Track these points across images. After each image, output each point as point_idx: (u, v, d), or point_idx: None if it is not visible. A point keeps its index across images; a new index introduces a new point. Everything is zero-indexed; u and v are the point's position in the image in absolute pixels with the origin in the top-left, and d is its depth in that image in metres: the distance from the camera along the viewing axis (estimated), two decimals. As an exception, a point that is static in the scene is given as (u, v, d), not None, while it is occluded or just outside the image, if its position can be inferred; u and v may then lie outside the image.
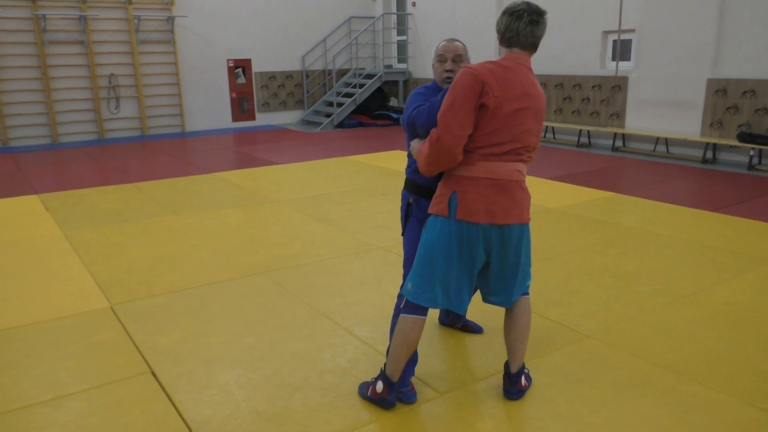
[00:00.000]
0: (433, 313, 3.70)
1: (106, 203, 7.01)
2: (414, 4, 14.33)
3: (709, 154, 8.92)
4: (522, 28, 2.60)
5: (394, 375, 2.80)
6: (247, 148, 11.24)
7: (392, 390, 2.82)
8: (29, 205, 6.99)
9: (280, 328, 3.73)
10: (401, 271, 4.36)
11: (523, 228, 2.70)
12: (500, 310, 3.83)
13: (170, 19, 12.90)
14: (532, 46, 2.68)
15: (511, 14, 2.61)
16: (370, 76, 14.54)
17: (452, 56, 2.92)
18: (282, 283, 4.45)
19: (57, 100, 12.14)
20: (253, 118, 14.52)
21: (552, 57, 11.20)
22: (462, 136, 2.52)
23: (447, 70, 2.92)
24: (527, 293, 2.92)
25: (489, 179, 2.57)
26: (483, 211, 2.57)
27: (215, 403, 2.93)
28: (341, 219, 6.09)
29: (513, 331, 2.89)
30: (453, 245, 2.62)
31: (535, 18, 2.60)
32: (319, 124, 13.96)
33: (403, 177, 3.13)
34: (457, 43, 2.95)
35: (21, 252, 5.28)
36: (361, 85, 14.21)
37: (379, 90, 14.88)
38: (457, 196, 2.60)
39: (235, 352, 3.44)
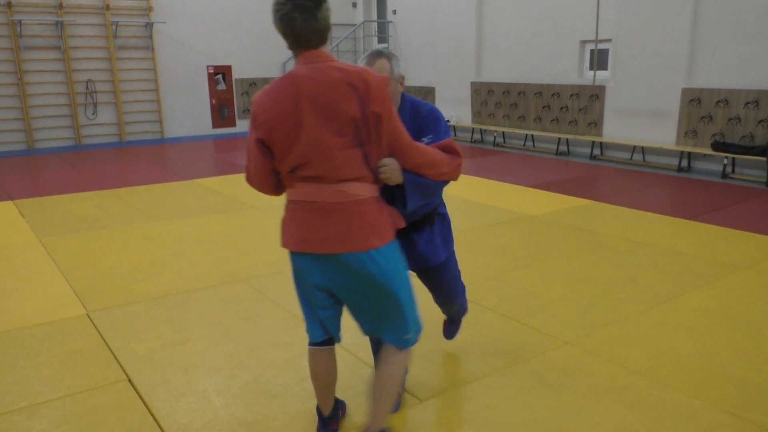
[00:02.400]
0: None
1: (82, 210, 6.92)
2: (395, 12, 14.41)
3: (684, 163, 9.07)
4: (285, 24, 2.12)
5: (322, 409, 2.65)
6: (227, 155, 11.19)
7: (324, 426, 2.65)
8: (4, 211, 6.87)
9: (259, 336, 3.71)
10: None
11: (372, 259, 2.21)
12: (466, 319, 3.87)
13: (149, 25, 12.81)
14: (324, 39, 2.18)
15: (274, 12, 2.14)
16: (350, 84, 14.55)
17: None
18: (262, 290, 4.43)
19: (33, 105, 11.98)
20: (233, 124, 14.46)
21: (531, 66, 11.33)
22: (259, 172, 2.27)
23: None
24: (402, 347, 2.39)
25: (306, 202, 2.22)
26: (296, 238, 2.26)
27: (193, 410, 2.91)
28: (321, 226, 6.08)
29: (374, 380, 2.44)
30: (294, 277, 2.42)
31: (299, 2, 2.10)
32: (300, 131, 13.93)
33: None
34: (380, 61, 2.48)
35: (-5, 259, 5.19)
36: (342, 93, 14.21)
37: (359, 97, 14.90)
38: (282, 222, 2.35)
39: (214, 359, 3.42)
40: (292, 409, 2.90)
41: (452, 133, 13.24)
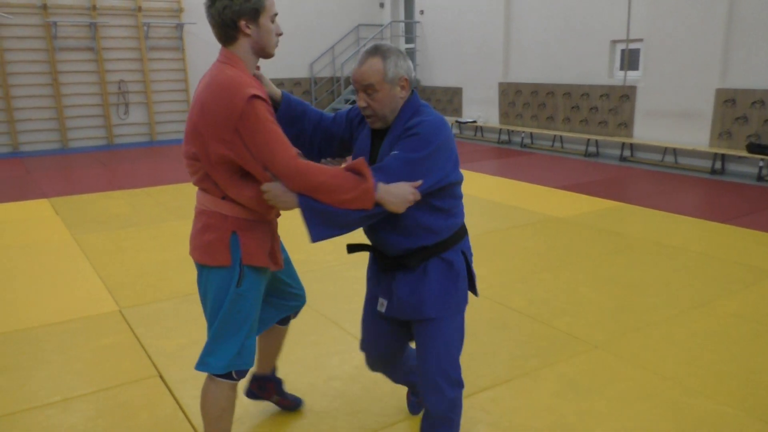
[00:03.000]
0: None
1: (115, 207, 7.05)
2: (422, 12, 14.40)
3: (718, 165, 8.89)
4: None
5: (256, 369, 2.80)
6: (254, 155, 11.27)
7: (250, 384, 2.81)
8: (39, 208, 7.04)
9: (286, 334, 3.72)
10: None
11: (206, 273, 2.18)
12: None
13: (179, 26, 12.99)
14: (225, 38, 2.13)
15: None
16: (378, 84, 14.58)
17: (362, 87, 2.11)
18: (289, 290, 4.45)
19: (67, 105, 12.24)
20: (261, 124, 14.55)
21: (560, 66, 11.22)
22: None
23: (363, 108, 2.14)
24: (200, 368, 2.23)
25: None
26: None
27: (222, 408, 2.94)
28: (348, 226, 6.11)
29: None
30: None
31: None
32: (327, 131, 13.98)
33: None
34: (370, 61, 2.08)
35: (31, 255, 5.32)
36: (369, 93, 14.24)
37: (386, 98, 14.92)
38: None
39: (242, 357, 3.45)
40: (319, 408, 2.91)
41: (480, 133, 13.17)
